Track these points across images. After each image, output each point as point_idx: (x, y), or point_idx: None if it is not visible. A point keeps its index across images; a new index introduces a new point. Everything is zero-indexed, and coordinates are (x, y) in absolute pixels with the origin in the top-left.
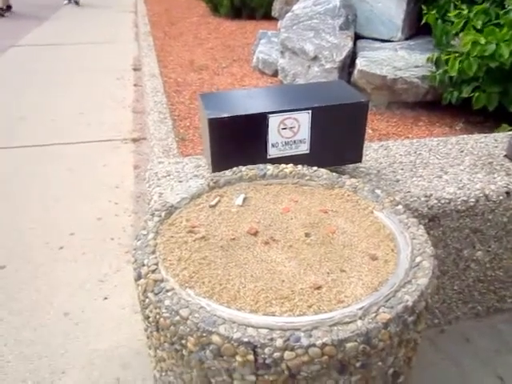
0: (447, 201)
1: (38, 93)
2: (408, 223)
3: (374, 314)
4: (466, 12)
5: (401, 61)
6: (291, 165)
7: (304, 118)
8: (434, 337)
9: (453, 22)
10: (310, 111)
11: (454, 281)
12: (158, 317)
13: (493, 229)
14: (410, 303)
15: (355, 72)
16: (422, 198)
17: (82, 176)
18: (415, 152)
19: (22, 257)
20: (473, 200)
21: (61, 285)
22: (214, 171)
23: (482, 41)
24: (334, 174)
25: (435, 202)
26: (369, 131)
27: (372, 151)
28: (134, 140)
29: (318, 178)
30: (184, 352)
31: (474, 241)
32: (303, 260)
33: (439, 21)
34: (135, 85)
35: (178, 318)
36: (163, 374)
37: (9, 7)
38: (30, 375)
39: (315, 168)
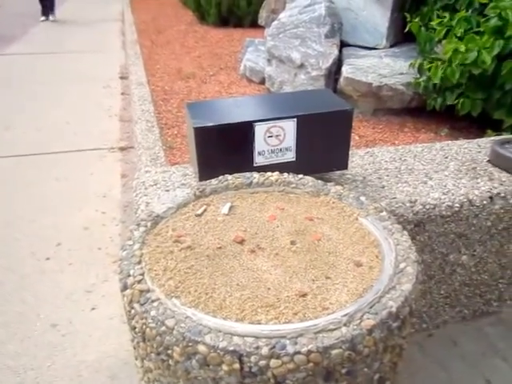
0: (432, 206)
1: (24, 102)
2: (392, 229)
3: (358, 321)
4: (447, 20)
5: (386, 68)
6: (277, 173)
7: (289, 126)
8: (422, 341)
9: (436, 30)
10: (295, 119)
11: (440, 285)
12: (144, 327)
13: (477, 233)
14: (394, 309)
15: (341, 79)
16: (408, 204)
17: (68, 185)
18: (400, 158)
19: (7, 268)
20: (457, 205)
21: (48, 296)
22: (200, 180)
23: (463, 48)
24: (319, 181)
25: (420, 207)
26: (355, 138)
27: (358, 158)
28: (122, 149)
29: (303, 186)
30: (170, 362)
31: (459, 245)
32: (289, 267)
33: (422, 28)
34: (122, 93)
35: (163, 328)
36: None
37: None
38: None
39: (301, 176)
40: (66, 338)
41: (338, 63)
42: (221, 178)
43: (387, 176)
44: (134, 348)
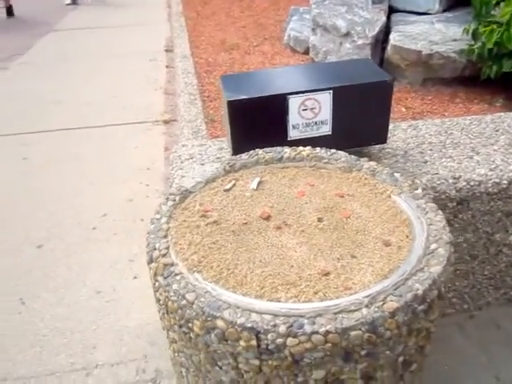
0: (477, 183)
1: (73, 77)
2: (426, 208)
3: (381, 303)
4: None
5: (437, 34)
6: (309, 147)
7: (325, 99)
8: (462, 322)
9: None
10: (331, 91)
11: (484, 266)
12: (166, 300)
13: None
14: (420, 292)
15: (388, 47)
16: (450, 180)
17: (114, 158)
18: (446, 132)
19: (57, 237)
20: (505, 182)
21: (93, 264)
22: (234, 153)
23: None
24: (352, 156)
25: (464, 184)
26: (402, 109)
27: (400, 131)
28: (165, 122)
29: (335, 161)
30: (191, 335)
31: (506, 225)
32: (314, 245)
33: None
34: (167, 66)
35: (184, 301)
36: (176, 354)
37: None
38: (64, 349)
39: (333, 150)
40: (110, 305)
41: (386, 31)
42: (251, 152)
43: (430, 150)
44: (161, 319)
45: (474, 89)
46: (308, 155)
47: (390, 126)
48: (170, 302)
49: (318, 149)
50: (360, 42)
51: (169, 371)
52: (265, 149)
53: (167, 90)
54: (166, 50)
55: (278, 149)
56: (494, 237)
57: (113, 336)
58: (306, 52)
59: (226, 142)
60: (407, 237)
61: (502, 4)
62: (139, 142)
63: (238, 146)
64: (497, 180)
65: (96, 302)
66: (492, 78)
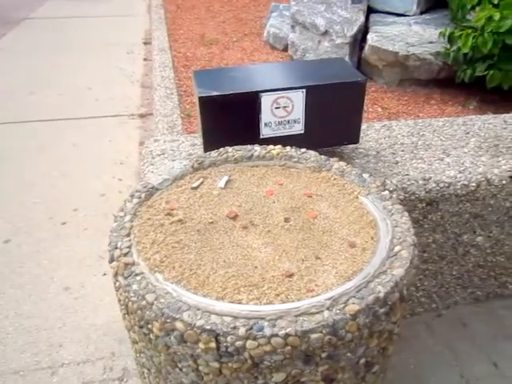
0: (446, 184)
1: (48, 67)
2: (392, 210)
3: (342, 305)
4: None
5: (414, 36)
6: (279, 146)
7: (298, 97)
8: (430, 321)
9: None
10: (304, 90)
11: (452, 266)
12: (126, 300)
13: (494, 214)
14: (381, 294)
15: (366, 48)
16: (420, 181)
17: (87, 151)
18: (418, 133)
19: (25, 231)
20: (473, 184)
21: (62, 260)
22: (205, 150)
23: (497, 16)
24: (322, 156)
25: (434, 185)
26: (378, 109)
27: (373, 131)
28: (141, 115)
29: (305, 161)
30: (151, 336)
31: (474, 226)
32: (279, 246)
33: None
34: (145, 59)
35: (144, 302)
36: (137, 355)
37: None
38: (29, 347)
39: (303, 150)
40: (78, 302)
41: (364, 30)
42: (221, 150)
43: (402, 151)
44: (123, 319)
45: (449, 91)
46: (278, 154)
47: (364, 126)
48: (130, 303)
49: (288, 148)
50: (338, 41)
51: (136, 370)
52: (235, 147)
53: (144, 83)
54: (145, 43)
55: (249, 147)
56: (462, 238)
57: (80, 334)
58: (286, 49)
59: (198, 138)
60: (372, 238)
61: (477, 8)
62: (114, 135)
63: (210, 143)
64: (465, 182)
65: (64, 298)
66: (466, 82)
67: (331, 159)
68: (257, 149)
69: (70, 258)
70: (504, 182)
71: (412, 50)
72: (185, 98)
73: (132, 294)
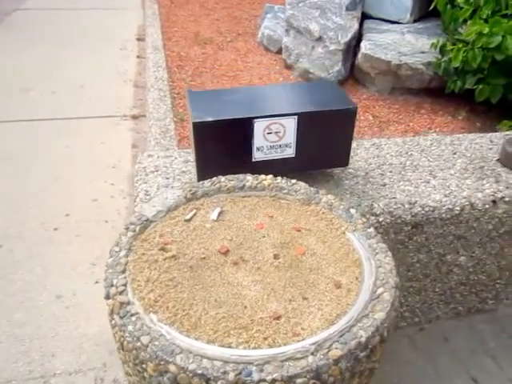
0: (431, 209)
1: (40, 62)
2: (377, 249)
3: (326, 350)
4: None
5: (407, 46)
6: (270, 176)
7: (290, 123)
8: (413, 335)
9: (462, 8)
10: (296, 117)
11: (435, 283)
12: (122, 339)
13: (477, 236)
14: (363, 339)
15: (359, 55)
16: (406, 205)
17: (80, 154)
18: (407, 153)
19: (17, 237)
20: (458, 208)
21: (54, 267)
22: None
23: (487, 31)
24: (312, 188)
25: (419, 209)
26: (369, 117)
27: (363, 150)
28: (134, 117)
29: (295, 193)
30: (145, 374)
31: (457, 247)
32: (268, 284)
33: (448, 6)
34: (138, 56)
35: (139, 344)
36: None
37: None
38: (22, 356)
39: (294, 181)
40: (70, 310)
41: (358, 36)
42: (214, 179)
43: (390, 172)
44: (117, 352)
45: (439, 100)
46: (269, 185)
47: (354, 144)
48: (125, 342)
49: (279, 178)
50: (332, 47)
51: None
52: (228, 176)
53: (137, 82)
54: (138, 39)
55: (241, 177)
56: (446, 257)
57: (72, 343)
58: (279, 52)
59: (191, 154)
60: (357, 279)
61: (468, 22)
62: (106, 137)
63: (203, 165)
64: (450, 206)
65: (56, 307)
66: (456, 93)
67: (320, 192)
68: (249, 179)
69: (62, 264)
70: (487, 206)
71: (404, 59)
72: (178, 100)
73: (127, 335)
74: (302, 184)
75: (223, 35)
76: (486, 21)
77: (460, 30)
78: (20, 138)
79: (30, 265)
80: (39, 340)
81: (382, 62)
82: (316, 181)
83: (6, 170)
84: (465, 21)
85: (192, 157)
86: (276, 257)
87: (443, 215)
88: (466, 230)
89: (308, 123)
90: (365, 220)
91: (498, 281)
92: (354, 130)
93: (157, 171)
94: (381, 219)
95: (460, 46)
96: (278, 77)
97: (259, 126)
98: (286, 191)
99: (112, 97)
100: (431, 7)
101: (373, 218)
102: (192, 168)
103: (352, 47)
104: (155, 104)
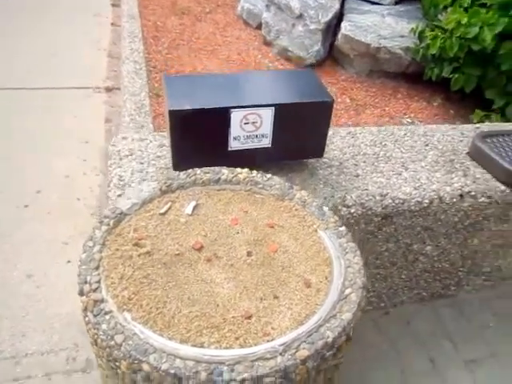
0: (401, 201)
1: (9, 29)
2: (347, 248)
3: (294, 350)
4: None
5: (387, 29)
6: (246, 170)
7: (267, 114)
8: (378, 318)
9: None
10: (273, 108)
11: (402, 271)
12: (95, 337)
13: (443, 227)
14: (330, 339)
15: (339, 36)
16: (378, 197)
17: (51, 127)
18: (381, 143)
19: None
20: (427, 201)
21: (25, 245)
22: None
23: (465, 21)
24: (286, 184)
25: (390, 201)
26: (346, 100)
27: (339, 139)
28: (107, 89)
29: (270, 188)
30: (118, 371)
31: (424, 237)
32: (241, 282)
33: None
34: (113, 24)
35: (112, 342)
36: (105, 377)
37: None
38: None
39: (269, 176)
40: (41, 290)
41: (339, 16)
42: (190, 171)
43: (364, 163)
44: (91, 346)
45: (416, 86)
46: (244, 179)
47: (330, 132)
48: (99, 340)
49: (254, 172)
50: (312, 26)
51: None
52: (203, 169)
53: (111, 52)
54: (113, 5)
55: (216, 169)
56: (413, 247)
57: (43, 323)
58: (259, 27)
59: (166, 138)
60: (326, 278)
61: (448, 9)
62: (78, 110)
63: (178, 152)
64: (419, 199)
65: (27, 286)
66: (433, 80)
67: (294, 187)
68: (224, 172)
69: (33, 243)
70: (454, 199)
71: (383, 42)
72: (154, 74)
73: (101, 333)
74: (276, 179)
75: (202, 5)
76: (465, 10)
77: (440, 16)
78: None
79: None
80: (9, 320)
81: (362, 44)
82: (291, 170)
83: None
84: (445, 7)
85: (167, 141)
86: (249, 254)
87: (412, 207)
88: (433, 221)
89: (285, 114)
90: (337, 218)
91: (461, 269)
92: (330, 122)
93: (131, 155)
94: (352, 211)
95: (438, 33)
96: (256, 53)
97: (236, 116)
98: (260, 186)
99: (85, 67)
100: None
101: (345, 209)
102: (167, 153)
103: (332, 27)
104: (130, 77)
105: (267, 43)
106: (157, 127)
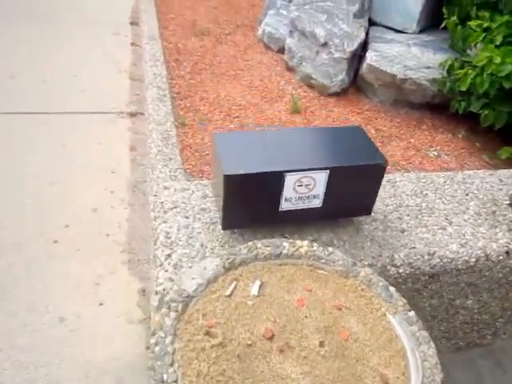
0: (449, 260)
1: (30, 46)
2: (419, 338)
3: None
4: (487, 20)
5: (412, 59)
6: (307, 243)
7: (321, 177)
8: None
9: (474, 30)
10: (327, 171)
11: (442, 323)
12: None
13: (487, 283)
14: None
15: (364, 66)
16: (426, 257)
17: (76, 155)
18: (421, 192)
19: (16, 250)
20: (473, 260)
21: (56, 285)
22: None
23: (498, 60)
24: (349, 260)
25: (438, 260)
26: (372, 131)
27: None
28: (131, 114)
29: (333, 263)
30: None
31: (467, 292)
32: (317, 378)
33: (459, 27)
34: (132, 43)
35: None
36: None
37: None
38: None
39: (330, 249)
40: (74, 335)
41: (364, 44)
42: (250, 245)
43: (407, 216)
44: None
45: (440, 117)
46: (306, 253)
47: None
48: None
49: (315, 246)
50: (337, 55)
51: None
52: (263, 241)
53: (132, 74)
54: (132, 23)
55: (277, 242)
56: (455, 302)
57: (78, 371)
58: (280, 51)
59: (209, 188)
60: (403, 374)
61: (478, 45)
62: (102, 137)
63: (229, 213)
64: (466, 258)
65: (59, 331)
66: (460, 113)
67: (358, 264)
68: (285, 245)
69: (64, 282)
70: (501, 257)
71: (409, 74)
72: (178, 101)
73: None
74: (338, 253)
75: (221, 26)
76: (497, 46)
77: (469, 51)
78: (11, 134)
79: (30, 282)
80: (44, 368)
81: (388, 74)
82: (337, 225)
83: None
84: (474, 42)
85: (210, 191)
86: (321, 344)
87: (459, 266)
88: (478, 278)
89: (338, 176)
90: (405, 301)
91: (500, 319)
92: (381, 182)
93: (175, 207)
94: (401, 270)
95: (469, 71)
96: (279, 79)
97: (290, 180)
98: (323, 261)
99: (106, 89)
100: (441, 26)
101: (393, 269)
102: (211, 205)
103: (357, 56)
104: (155, 105)
105: (290, 69)
106: (185, 160)
